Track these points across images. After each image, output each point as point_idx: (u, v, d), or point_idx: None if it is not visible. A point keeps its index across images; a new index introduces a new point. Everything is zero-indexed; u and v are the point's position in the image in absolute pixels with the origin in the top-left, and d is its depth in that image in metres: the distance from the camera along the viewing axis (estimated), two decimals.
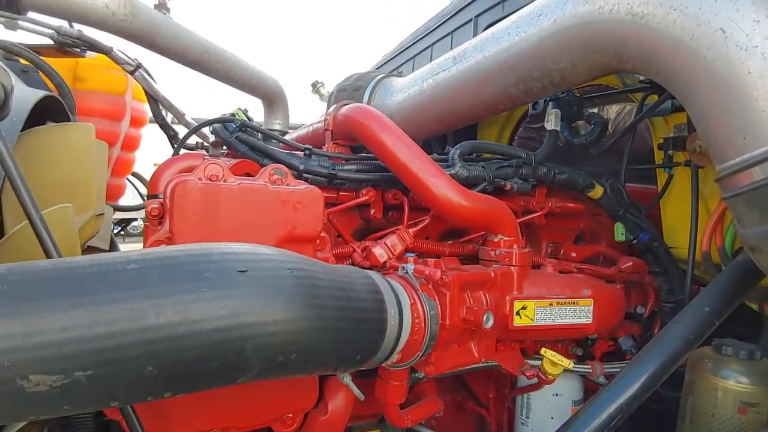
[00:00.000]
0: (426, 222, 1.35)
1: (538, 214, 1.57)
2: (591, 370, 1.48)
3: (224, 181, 1.08)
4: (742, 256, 1.33)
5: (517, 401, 1.64)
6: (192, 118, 2.17)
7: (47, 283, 0.64)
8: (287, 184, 1.14)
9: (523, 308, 1.25)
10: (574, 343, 1.55)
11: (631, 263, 1.59)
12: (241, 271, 0.74)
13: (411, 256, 1.19)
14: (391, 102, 1.99)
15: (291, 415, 1.13)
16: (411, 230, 1.33)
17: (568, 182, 1.59)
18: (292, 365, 0.78)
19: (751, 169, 0.98)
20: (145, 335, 0.65)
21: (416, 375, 1.25)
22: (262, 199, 1.07)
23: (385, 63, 2.89)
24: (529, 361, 1.37)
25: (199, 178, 1.06)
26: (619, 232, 1.68)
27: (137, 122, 2.22)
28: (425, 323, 1.06)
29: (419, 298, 1.07)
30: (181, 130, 2.10)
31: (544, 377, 1.29)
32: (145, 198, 2.40)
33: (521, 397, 1.61)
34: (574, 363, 1.54)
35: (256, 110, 2.25)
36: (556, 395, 1.54)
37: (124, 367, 0.65)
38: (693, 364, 1.32)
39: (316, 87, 2.80)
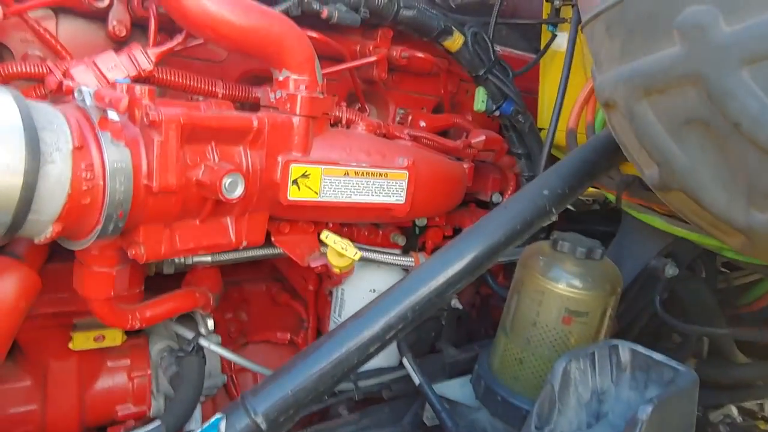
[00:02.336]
0: (179, 40, 0.91)
1: (372, 59, 1.17)
2: (413, 262, 1.20)
3: None
4: (604, 130, 1.03)
5: (333, 296, 1.35)
6: None
7: None
8: None
9: (304, 175, 0.89)
10: (399, 230, 1.24)
11: (483, 137, 1.26)
12: None
13: (124, 83, 0.76)
14: None
15: None
16: (154, 50, 0.89)
17: (417, 23, 1.19)
18: None
19: None
20: None
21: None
22: None
23: None
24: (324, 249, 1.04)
25: None
26: (479, 100, 1.34)
27: None
28: (104, 179, 0.67)
29: (97, 139, 0.67)
30: None
31: (331, 272, 0.97)
32: None
33: (336, 292, 1.33)
34: (398, 253, 1.25)
35: None
36: (373, 291, 1.25)
37: None
38: (524, 260, 1.05)
39: None
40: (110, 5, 0.92)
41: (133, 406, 1.15)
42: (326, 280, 1.36)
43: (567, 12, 1.35)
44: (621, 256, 1.18)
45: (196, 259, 1.07)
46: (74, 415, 1.08)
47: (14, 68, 0.82)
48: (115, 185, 0.67)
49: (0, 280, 0.77)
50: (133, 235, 0.76)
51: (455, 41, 1.25)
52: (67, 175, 0.63)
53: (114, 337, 1.04)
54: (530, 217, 0.88)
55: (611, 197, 1.15)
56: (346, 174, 0.92)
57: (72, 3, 0.91)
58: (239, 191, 0.78)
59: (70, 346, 1.01)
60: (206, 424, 0.72)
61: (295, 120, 0.88)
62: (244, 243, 0.90)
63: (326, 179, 0.91)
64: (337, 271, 0.94)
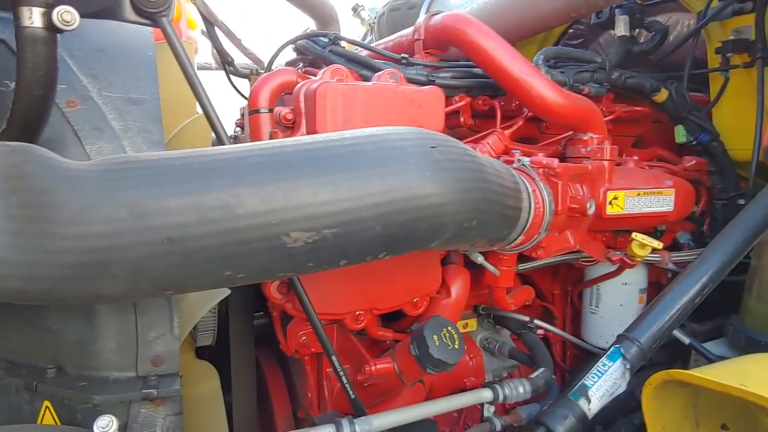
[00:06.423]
0: (519, 124, 1.44)
1: (609, 118, 1.66)
2: (660, 259, 1.63)
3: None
4: None
5: (584, 294, 1.79)
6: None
7: (291, 157, 0.73)
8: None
9: (615, 198, 1.37)
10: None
11: (694, 161, 1.70)
12: (432, 147, 0.83)
13: (517, 152, 1.28)
14: None
15: (419, 298, 1.27)
16: (506, 132, 1.41)
17: (637, 86, 1.68)
18: (470, 232, 0.89)
19: None
20: (375, 199, 0.75)
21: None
22: (393, 99, 1.14)
23: None
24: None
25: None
26: (680, 134, 1.79)
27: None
28: (543, 208, 1.17)
29: (537, 186, 1.18)
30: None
31: (629, 261, 1.43)
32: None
33: (589, 290, 1.77)
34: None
35: None
36: (625, 284, 1.69)
37: (359, 228, 0.75)
38: (759, 250, 1.45)
39: (357, 11, 2.77)
40: (465, 105, 1.47)
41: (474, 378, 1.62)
42: (570, 286, 1.82)
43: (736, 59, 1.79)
44: None
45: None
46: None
47: None
48: (548, 211, 1.18)
49: (456, 284, 1.29)
50: (539, 243, 1.26)
51: (662, 95, 1.72)
52: (532, 206, 1.14)
53: (472, 325, 1.54)
54: None
55: None
56: (639, 194, 1.40)
57: None
58: (593, 209, 1.27)
59: None
60: (609, 352, 1.18)
61: (605, 163, 1.37)
62: (578, 246, 1.38)
63: (628, 199, 1.38)
64: (638, 260, 1.39)
